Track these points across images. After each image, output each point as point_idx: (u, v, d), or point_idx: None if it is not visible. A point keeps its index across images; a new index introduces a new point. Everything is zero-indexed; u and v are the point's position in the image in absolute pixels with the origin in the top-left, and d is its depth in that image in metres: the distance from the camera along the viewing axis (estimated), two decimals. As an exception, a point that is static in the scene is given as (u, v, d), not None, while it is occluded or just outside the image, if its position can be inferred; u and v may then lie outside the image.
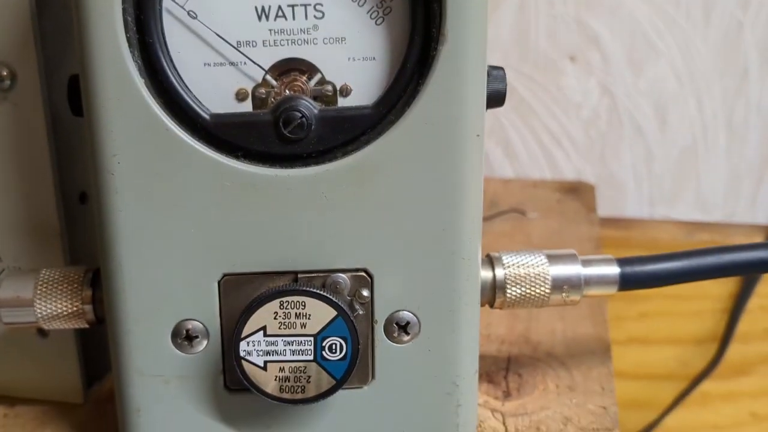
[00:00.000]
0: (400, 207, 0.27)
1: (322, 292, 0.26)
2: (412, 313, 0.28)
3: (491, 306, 0.32)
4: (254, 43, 0.27)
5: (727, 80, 0.81)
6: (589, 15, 0.83)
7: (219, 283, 0.28)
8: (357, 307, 0.28)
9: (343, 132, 0.27)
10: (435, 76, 0.26)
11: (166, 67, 0.26)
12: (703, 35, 0.80)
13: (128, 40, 0.25)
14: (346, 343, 0.27)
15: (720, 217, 0.85)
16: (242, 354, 0.27)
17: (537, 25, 0.83)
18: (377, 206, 0.27)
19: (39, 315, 0.30)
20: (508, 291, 0.31)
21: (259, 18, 0.26)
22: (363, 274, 0.28)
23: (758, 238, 0.71)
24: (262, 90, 0.27)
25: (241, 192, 0.27)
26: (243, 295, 0.28)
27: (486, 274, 0.31)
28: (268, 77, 0.27)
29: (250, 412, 0.29)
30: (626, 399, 0.77)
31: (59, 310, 0.30)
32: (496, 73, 0.29)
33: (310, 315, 0.27)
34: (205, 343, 0.28)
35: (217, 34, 0.26)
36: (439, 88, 0.26)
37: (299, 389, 0.27)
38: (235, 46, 0.27)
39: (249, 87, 0.27)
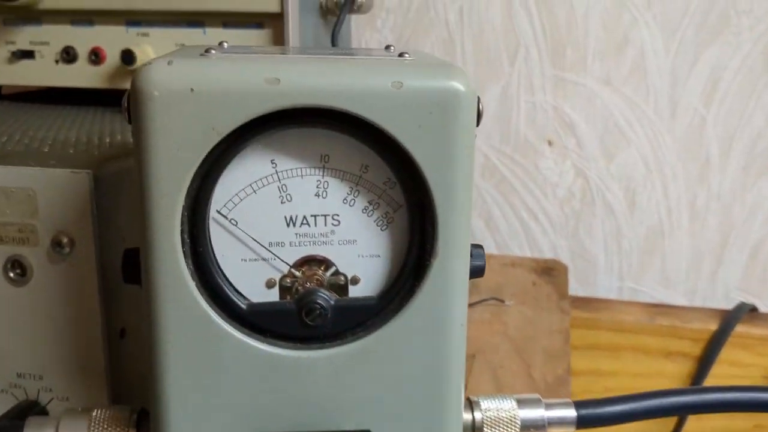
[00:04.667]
0: (397, 381, 0.33)
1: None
2: (405, 464, 0.34)
3: (472, 443, 0.38)
4: (282, 244, 0.33)
5: (691, 168, 0.88)
6: (566, 104, 0.89)
7: (249, 438, 0.34)
8: (358, 460, 0.34)
9: (353, 319, 0.33)
10: (428, 282, 0.32)
11: (213, 270, 0.32)
12: (669, 126, 0.87)
13: (184, 252, 0.31)
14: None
15: (682, 291, 0.91)
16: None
17: (518, 111, 0.90)
18: (378, 380, 0.33)
19: (93, 452, 0.36)
20: None
21: (288, 225, 0.33)
22: (365, 433, 0.34)
23: (714, 324, 0.78)
24: (288, 280, 0.33)
25: (267, 367, 0.33)
26: (267, 449, 0.34)
27: (466, 416, 0.37)
28: (293, 270, 0.33)
29: None
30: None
31: (110, 449, 0.36)
32: (476, 252, 0.36)
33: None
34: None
35: (253, 238, 0.33)
36: (431, 291, 0.32)
37: None
38: (267, 246, 0.33)
39: (277, 277, 0.33)
